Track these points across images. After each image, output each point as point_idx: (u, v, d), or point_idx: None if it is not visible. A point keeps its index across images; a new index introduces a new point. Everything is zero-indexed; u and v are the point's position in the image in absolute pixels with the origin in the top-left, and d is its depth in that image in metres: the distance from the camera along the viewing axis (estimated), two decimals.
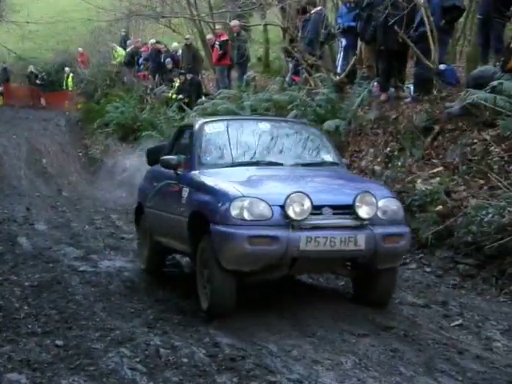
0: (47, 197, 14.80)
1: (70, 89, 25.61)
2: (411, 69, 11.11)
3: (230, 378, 4.42)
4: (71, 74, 25.71)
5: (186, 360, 4.74)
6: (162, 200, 7.05)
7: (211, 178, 6.03)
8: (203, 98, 15.80)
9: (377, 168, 9.46)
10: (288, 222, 5.37)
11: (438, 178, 8.24)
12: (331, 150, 6.89)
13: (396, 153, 9.47)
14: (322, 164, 6.64)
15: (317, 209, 5.45)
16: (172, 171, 6.69)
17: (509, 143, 7.91)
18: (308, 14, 12.70)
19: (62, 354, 4.93)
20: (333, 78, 11.88)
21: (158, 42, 19.84)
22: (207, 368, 4.63)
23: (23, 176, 17.16)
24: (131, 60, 21.08)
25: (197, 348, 4.99)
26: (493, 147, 8.06)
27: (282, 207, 5.37)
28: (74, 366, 4.66)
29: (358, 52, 11.92)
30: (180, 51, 18.70)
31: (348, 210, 5.51)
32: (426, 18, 9.58)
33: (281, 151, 6.64)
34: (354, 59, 11.76)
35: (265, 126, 6.92)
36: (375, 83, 10.92)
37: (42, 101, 28.00)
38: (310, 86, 12.10)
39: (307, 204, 5.38)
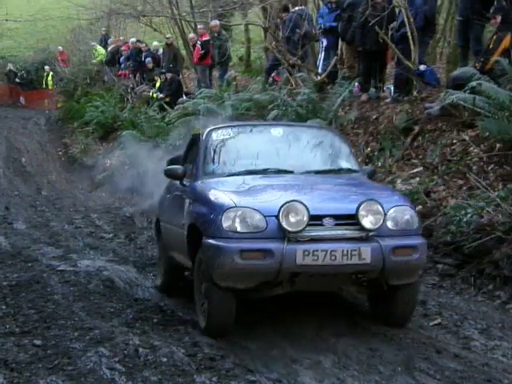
0: (26, 196, 14.70)
1: (50, 87, 25.46)
2: (392, 70, 11.17)
3: (209, 378, 4.41)
4: (51, 73, 25.55)
5: (165, 359, 4.73)
6: (170, 213, 6.66)
7: (209, 188, 5.61)
8: (184, 97, 15.77)
9: None
10: (284, 234, 4.93)
11: (417, 178, 8.28)
12: (349, 155, 6.35)
13: (376, 153, 9.51)
14: (338, 171, 6.10)
15: (317, 219, 5.00)
16: (178, 182, 6.33)
17: (488, 144, 7.98)
18: (289, 13, 12.73)
19: (40, 353, 4.90)
20: (314, 78, 11.91)
21: (138, 41, 19.78)
22: (186, 367, 4.62)
23: (2, 175, 17.03)
24: (112, 59, 20.99)
25: (176, 347, 4.97)
26: (472, 148, 8.12)
27: (278, 218, 4.95)
28: (53, 366, 4.63)
29: (338, 52, 11.95)
30: (161, 50, 18.65)
31: (352, 220, 5.03)
32: (406, 20, 9.64)
33: (292, 158, 6.12)
34: (334, 59, 11.80)
35: (277, 131, 6.41)
36: (356, 83, 10.96)
37: (22, 99, 27.81)
38: (291, 85, 12.12)
39: (304, 214, 4.92)
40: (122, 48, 20.66)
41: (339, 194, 5.55)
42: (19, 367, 4.62)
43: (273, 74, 13.72)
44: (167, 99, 16.15)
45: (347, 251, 4.93)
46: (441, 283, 6.85)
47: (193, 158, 6.47)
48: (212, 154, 6.11)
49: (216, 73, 16.57)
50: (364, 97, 10.84)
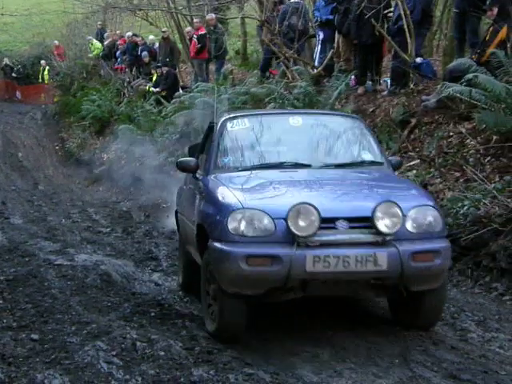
0: (23, 191, 14.69)
1: (46, 82, 25.40)
2: (388, 62, 11.16)
3: (206, 371, 4.41)
4: (47, 67, 25.47)
5: (162, 353, 4.72)
6: (185, 206, 6.36)
7: (218, 186, 5.25)
8: (180, 91, 15.75)
9: None
10: (293, 239, 4.58)
11: (414, 171, 8.29)
12: (375, 146, 5.82)
13: None
14: (361, 164, 5.63)
15: (329, 222, 4.63)
16: (191, 175, 5.98)
17: (484, 136, 7.99)
18: (284, 5, 12.72)
19: (37, 347, 4.89)
20: (310, 71, 11.90)
21: (134, 35, 19.73)
22: (184, 361, 4.61)
23: None
24: (108, 53, 20.95)
25: (174, 341, 4.97)
26: (468, 140, 8.13)
27: (286, 220, 4.61)
28: (50, 360, 4.62)
29: (335, 45, 11.94)
30: (157, 44, 18.61)
31: (367, 222, 4.66)
32: (402, 12, 9.63)
33: (311, 150, 5.70)
34: (331, 52, 11.79)
35: (296, 120, 5.91)
36: (352, 76, 10.95)
37: (18, 94, 27.74)
38: (288, 79, 12.10)
39: (314, 217, 4.56)
40: (118, 42, 20.62)
41: (355, 192, 5.09)
42: (16, 361, 4.61)
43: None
44: (163, 93, 16.14)
45: (361, 257, 4.56)
46: None
47: (207, 148, 6.13)
48: (225, 145, 5.73)
49: (212, 66, 16.54)
50: (360, 90, 10.83)
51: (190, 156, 6.81)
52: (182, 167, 5.94)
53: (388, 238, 4.61)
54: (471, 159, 7.81)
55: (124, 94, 18.87)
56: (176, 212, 7.04)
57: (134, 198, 12.71)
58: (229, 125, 5.86)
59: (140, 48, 18.80)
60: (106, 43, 21.51)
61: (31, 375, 4.37)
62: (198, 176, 5.82)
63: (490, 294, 6.17)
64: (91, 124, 18.51)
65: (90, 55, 22.51)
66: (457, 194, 7.25)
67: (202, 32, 15.83)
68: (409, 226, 4.71)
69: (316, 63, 12.34)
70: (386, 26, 10.33)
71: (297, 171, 5.41)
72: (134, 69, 18.92)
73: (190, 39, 16.50)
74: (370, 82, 10.87)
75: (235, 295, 4.79)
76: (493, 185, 7.01)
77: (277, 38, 12.24)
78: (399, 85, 10.04)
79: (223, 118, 6.00)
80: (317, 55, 12.56)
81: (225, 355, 4.72)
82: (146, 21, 20.77)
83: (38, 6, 29.20)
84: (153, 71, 17.42)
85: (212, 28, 15.64)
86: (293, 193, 4.95)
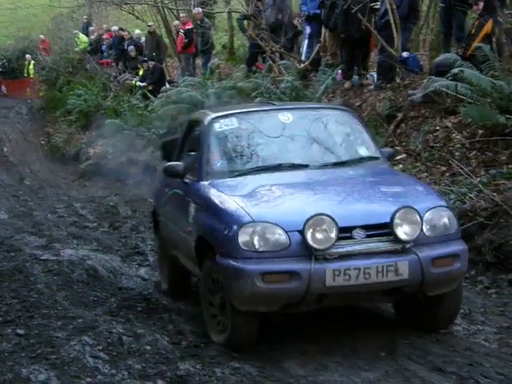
0: (9, 186, 14.57)
1: (32, 76, 25.20)
2: (375, 57, 11.18)
3: (193, 365, 4.41)
4: (32, 61, 25.29)
5: (148, 347, 4.72)
6: (172, 211, 6.00)
7: (217, 194, 4.96)
8: (167, 85, 15.70)
9: None
10: (310, 252, 4.37)
11: (400, 165, 8.30)
12: (369, 140, 5.62)
13: None
14: (358, 161, 5.42)
15: (345, 231, 4.43)
16: (179, 180, 5.61)
17: (470, 130, 8.02)
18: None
19: (23, 342, 4.87)
20: (297, 66, 11.89)
21: (121, 29, 19.65)
22: (170, 355, 4.62)
23: None
24: (95, 47, 20.86)
25: (160, 335, 4.97)
26: (454, 134, 8.17)
27: (302, 233, 4.38)
28: (36, 355, 4.60)
29: (322, 39, 11.94)
30: (143, 38, 18.55)
31: (384, 229, 4.47)
32: (389, 7, 9.64)
33: (306, 148, 5.44)
34: (318, 47, 11.80)
35: (286, 117, 5.59)
36: (339, 71, 10.96)
37: (3, 88, 27.49)
38: (275, 73, 12.10)
39: (333, 228, 4.37)
40: (105, 36, 20.53)
41: (368, 197, 4.83)
42: (2, 356, 4.59)
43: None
44: (150, 87, 16.08)
45: (382, 267, 4.38)
46: None
47: (191, 148, 5.83)
48: (216, 148, 5.44)
49: (199, 61, 16.51)
50: (347, 84, 10.84)
51: (164, 153, 6.64)
52: (170, 173, 5.62)
53: (408, 245, 4.45)
54: (457, 153, 7.84)
55: (110, 88, 18.78)
56: (154, 213, 6.75)
57: (121, 192, 12.65)
58: (216, 125, 5.56)
59: (126, 42, 18.73)
60: (92, 37, 21.41)
61: (16, 370, 4.35)
62: (187, 181, 5.48)
63: (475, 287, 6.20)
64: (77, 119, 18.40)
65: (77, 49, 22.36)
66: (443, 188, 7.27)
67: (189, 27, 15.79)
68: (425, 229, 4.54)
69: (303, 57, 12.35)
70: (373, 20, 10.35)
71: (296, 173, 5.20)
72: (121, 63, 18.85)
73: (177, 33, 16.46)
74: (357, 77, 10.89)
75: (248, 312, 4.57)
76: (478, 179, 7.05)
77: (263, 32, 12.23)
78: (386, 79, 10.06)
79: (210, 117, 5.67)
80: (303, 49, 12.57)
81: (211, 349, 4.73)
82: (132, 15, 20.68)
83: None
84: (139, 65, 17.36)
85: (198, 22, 15.61)
86: (303, 201, 4.75)
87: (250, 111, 5.99)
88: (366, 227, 4.47)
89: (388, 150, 6.03)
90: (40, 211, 11.20)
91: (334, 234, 4.37)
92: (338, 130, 5.65)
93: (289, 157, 5.34)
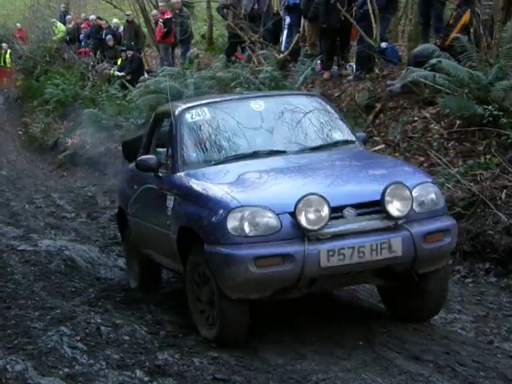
0: None
1: (9, 65, 24.91)
2: (355, 47, 11.19)
3: (171, 355, 4.40)
4: (9, 50, 25.01)
5: (127, 338, 4.71)
6: (144, 208, 5.81)
7: (199, 183, 4.86)
8: (145, 75, 15.60)
9: None
10: (302, 234, 4.31)
11: None
12: (342, 124, 5.61)
13: None
14: (334, 145, 5.38)
15: (336, 211, 4.37)
16: (152, 174, 5.42)
17: (448, 121, 8.06)
18: None
19: None
20: (276, 56, 11.87)
21: (99, 18, 19.47)
22: (149, 345, 4.61)
23: None
24: (72, 37, 20.66)
25: (138, 326, 4.96)
26: (432, 125, 8.21)
27: (293, 215, 4.30)
28: (12, 346, 4.57)
29: (301, 30, 11.93)
30: (121, 28, 18.40)
31: (376, 207, 4.44)
32: None
33: (281, 135, 5.36)
34: (297, 37, 11.78)
35: (258, 105, 5.54)
36: (318, 61, 10.96)
37: None
38: (254, 63, 12.07)
39: (324, 208, 4.30)
40: (82, 25, 20.33)
41: (356, 177, 4.80)
42: None
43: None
44: (128, 77, 15.96)
45: (376, 245, 4.34)
46: None
47: (161, 141, 5.72)
48: (189, 139, 5.31)
49: (178, 51, 16.41)
50: (326, 74, 10.85)
51: (125, 154, 6.54)
52: (143, 167, 5.39)
53: (400, 221, 4.42)
54: (435, 144, 7.88)
55: (88, 77, 18.61)
56: (120, 213, 6.54)
57: (99, 183, 12.59)
58: (187, 115, 5.42)
59: (104, 31, 18.56)
60: (69, 26, 21.20)
61: None
62: (161, 175, 5.34)
63: (452, 276, 6.24)
64: (55, 108, 18.25)
65: (54, 38, 22.15)
66: None
67: (168, 16, 15.69)
68: (414, 205, 4.51)
69: (282, 48, 12.32)
70: (353, 10, 10.34)
71: (275, 159, 5.11)
72: (99, 52, 18.68)
73: (156, 23, 16.35)
74: (336, 67, 10.89)
75: (239, 300, 4.47)
76: (456, 169, 7.09)
77: (242, 21, 12.19)
78: (364, 70, 10.07)
79: (179, 109, 5.52)
80: (283, 39, 12.54)
81: (190, 339, 4.73)
82: (110, 4, 20.50)
83: None
84: (117, 55, 17.22)
85: (177, 12, 15.52)
86: (290, 184, 4.69)
87: (220, 101, 5.94)
88: (357, 206, 4.44)
89: (362, 134, 5.97)
90: (17, 202, 11.12)
91: (326, 214, 4.30)
92: (311, 115, 5.56)
93: (265, 144, 5.29)
